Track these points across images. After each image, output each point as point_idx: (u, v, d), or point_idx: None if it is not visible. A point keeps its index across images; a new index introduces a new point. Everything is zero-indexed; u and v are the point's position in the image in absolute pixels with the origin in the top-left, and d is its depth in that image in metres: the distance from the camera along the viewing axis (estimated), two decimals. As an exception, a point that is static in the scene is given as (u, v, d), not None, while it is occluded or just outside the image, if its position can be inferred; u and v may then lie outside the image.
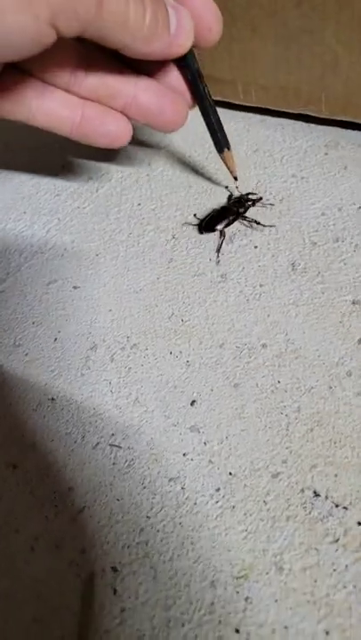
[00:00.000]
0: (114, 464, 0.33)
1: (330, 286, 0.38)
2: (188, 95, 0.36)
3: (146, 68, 0.35)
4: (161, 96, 0.35)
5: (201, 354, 0.37)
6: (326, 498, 0.29)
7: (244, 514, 0.30)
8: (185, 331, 0.38)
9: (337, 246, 0.39)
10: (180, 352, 0.37)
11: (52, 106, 0.35)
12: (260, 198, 0.43)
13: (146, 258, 0.43)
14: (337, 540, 0.28)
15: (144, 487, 0.32)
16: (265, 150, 0.48)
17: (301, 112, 0.47)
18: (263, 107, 0.49)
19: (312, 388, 0.33)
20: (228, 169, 0.42)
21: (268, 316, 0.37)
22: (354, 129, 0.47)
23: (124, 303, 0.41)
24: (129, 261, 0.43)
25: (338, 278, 0.38)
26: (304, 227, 0.41)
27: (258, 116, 0.51)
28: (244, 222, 0.42)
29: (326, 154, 0.46)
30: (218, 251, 0.41)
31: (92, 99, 0.35)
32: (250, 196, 0.43)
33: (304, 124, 0.48)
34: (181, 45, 0.31)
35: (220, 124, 0.39)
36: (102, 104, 0.36)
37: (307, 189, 0.44)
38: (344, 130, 0.47)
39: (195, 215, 0.45)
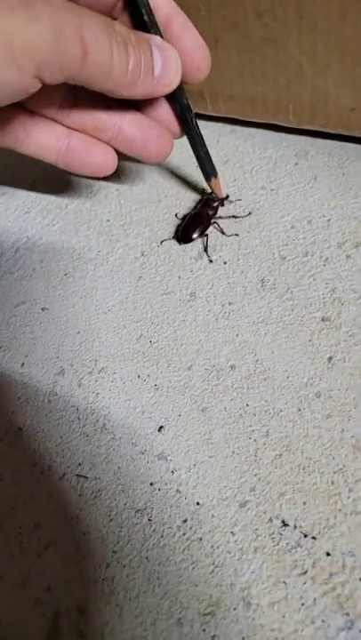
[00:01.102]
0: (80, 495, 0.33)
1: (299, 303, 0.37)
2: (176, 127, 0.37)
3: (134, 101, 0.35)
4: (146, 129, 0.35)
5: (169, 377, 0.36)
6: (295, 527, 0.28)
7: (212, 546, 0.29)
8: (153, 353, 0.37)
9: (306, 260, 0.39)
10: (148, 375, 0.36)
11: (39, 136, 0.35)
12: (227, 196, 0.43)
13: (115, 276, 0.42)
14: (305, 572, 0.27)
15: (111, 519, 0.31)
16: (235, 162, 0.47)
17: (270, 122, 0.46)
18: (232, 117, 0.48)
19: (281, 410, 0.33)
20: (216, 194, 0.43)
21: (237, 335, 0.36)
22: (323, 138, 0.46)
23: (92, 325, 0.40)
24: (97, 280, 0.42)
25: (307, 294, 0.37)
26: (274, 241, 0.40)
27: (228, 126, 0.50)
28: (215, 226, 0.42)
29: (296, 164, 0.45)
30: (206, 250, 0.41)
31: (79, 130, 0.36)
32: (214, 196, 0.43)
33: (274, 134, 0.48)
34: (167, 85, 0.31)
35: (208, 154, 0.39)
36: (89, 135, 0.36)
37: (276, 202, 0.43)
38: (313, 139, 0.46)
39: (176, 215, 0.44)
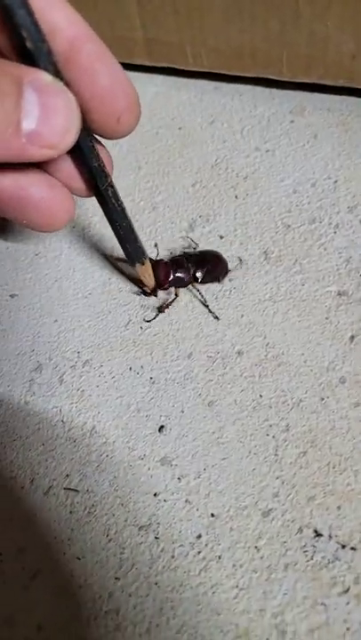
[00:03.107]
0: (71, 513, 0.28)
1: (310, 276, 0.32)
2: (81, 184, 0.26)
3: None
4: (32, 188, 0.25)
5: (166, 368, 0.31)
6: (330, 537, 0.24)
7: (233, 565, 0.25)
8: (146, 340, 0.32)
9: (314, 228, 0.34)
10: (142, 367, 0.31)
11: None
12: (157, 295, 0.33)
13: (94, 254, 0.37)
14: (347, 590, 0.23)
15: (110, 540, 0.26)
16: (222, 121, 0.42)
17: (260, 76, 0.41)
18: (216, 71, 0.43)
19: (301, 400, 0.28)
20: (146, 284, 0.32)
21: (242, 316, 0.32)
22: (320, 92, 0.41)
23: (71, 311, 0.35)
24: (74, 260, 0.37)
25: (319, 266, 0.33)
26: (275, 207, 0.36)
27: (212, 83, 0.44)
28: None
29: (292, 122, 0.40)
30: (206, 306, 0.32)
31: None
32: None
33: (265, 90, 0.43)
34: (49, 147, 0.20)
35: (132, 231, 0.29)
36: None
37: (273, 164, 0.38)
38: (310, 94, 0.41)
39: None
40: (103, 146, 0.26)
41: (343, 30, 0.36)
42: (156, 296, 0.33)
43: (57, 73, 0.20)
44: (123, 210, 0.27)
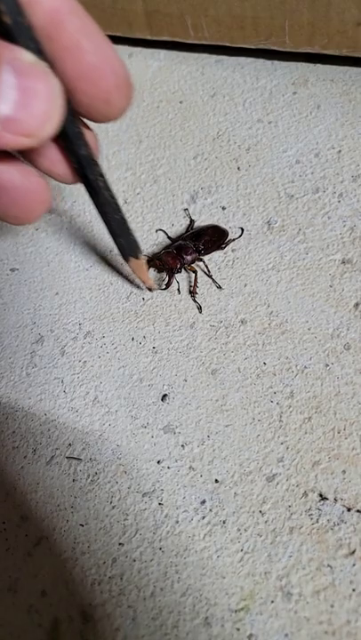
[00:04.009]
0: (74, 481, 0.27)
1: (314, 245, 0.32)
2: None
3: None
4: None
5: (169, 337, 0.31)
6: (335, 500, 0.24)
7: (238, 529, 0.24)
8: (148, 311, 0.32)
9: (318, 197, 0.34)
10: (144, 337, 0.31)
11: None
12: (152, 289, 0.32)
13: (95, 228, 0.36)
14: (353, 552, 0.23)
15: (113, 507, 0.26)
16: (224, 94, 0.41)
17: (262, 47, 0.41)
18: (218, 44, 0.42)
19: (305, 367, 0.28)
20: (141, 279, 0.31)
21: (245, 285, 0.31)
22: (323, 63, 0.41)
23: (72, 284, 0.34)
24: (75, 234, 0.36)
25: (323, 235, 0.32)
26: (278, 178, 0.35)
27: (213, 57, 0.44)
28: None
29: (295, 93, 0.39)
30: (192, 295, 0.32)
31: None
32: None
33: (267, 62, 0.42)
34: (26, 135, 0.18)
35: (124, 224, 0.27)
36: None
37: (276, 135, 0.37)
38: (312, 65, 0.41)
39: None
40: (91, 129, 0.23)
41: (346, -3, 0.36)
42: (151, 290, 0.32)
43: (38, 51, 0.18)
44: (115, 201, 0.25)
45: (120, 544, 0.25)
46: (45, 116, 0.18)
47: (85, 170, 0.23)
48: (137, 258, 0.28)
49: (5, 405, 0.30)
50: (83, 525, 0.26)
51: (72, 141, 0.21)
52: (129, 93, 0.21)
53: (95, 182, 0.23)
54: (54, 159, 0.23)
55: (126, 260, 0.29)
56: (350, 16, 0.37)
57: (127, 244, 0.28)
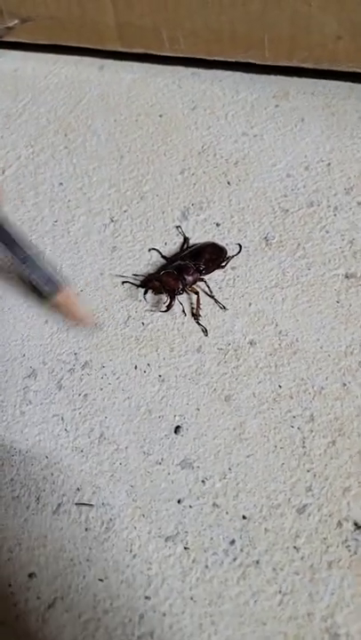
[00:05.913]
0: (87, 530, 0.25)
1: (315, 260, 0.31)
2: None
3: None
4: None
5: (175, 364, 0.29)
6: (372, 529, 0.23)
7: (273, 569, 0.23)
8: (149, 337, 0.30)
9: (313, 211, 0.33)
10: (148, 365, 0.29)
11: None
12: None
13: (81, 250, 0.34)
14: None
15: (134, 555, 0.24)
16: (205, 107, 0.40)
17: (241, 60, 0.40)
18: (194, 56, 0.41)
19: (322, 388, 0.27)
20: (72, 317, 0.28)
21: (250, 304, 0.30)
22: (300, 76, 0.40)
23: (62, 311, 0.32)
24: (60, 257, 0.34)
25: (323, 249, 0.32)
26: (270, 192, 0.34)
27: (189, 69, 0.43)
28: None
29: (277, 106, 0.39)
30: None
31: None
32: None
33: (245, 75, 0.41)
34: None
35: (35, 261, 0.26)
36: None
37: (263, 148, 0.37)
38: (290, 78, 0.40)
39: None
40: None
41: (326, 10, 0.36)
42: (169, 309, 0.30)
43: None
44: (18, 238, 0.24)
45: (146, 597, 0.23)
46: None
47: None
48: (60, 291, 0.26)
49: (0, 449, 0.28)
50: (102, 580, 0.24)
51: None
52: None
53: None
54: None
55: (48, 299, 0.27)
56: (330, 30, 0.37)
57: (45, 282, 0.26)
